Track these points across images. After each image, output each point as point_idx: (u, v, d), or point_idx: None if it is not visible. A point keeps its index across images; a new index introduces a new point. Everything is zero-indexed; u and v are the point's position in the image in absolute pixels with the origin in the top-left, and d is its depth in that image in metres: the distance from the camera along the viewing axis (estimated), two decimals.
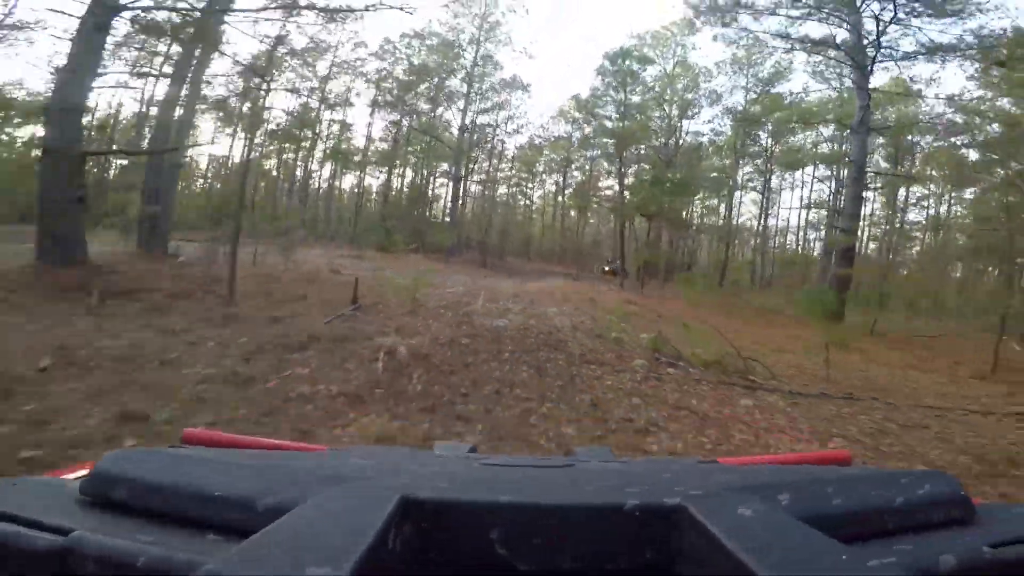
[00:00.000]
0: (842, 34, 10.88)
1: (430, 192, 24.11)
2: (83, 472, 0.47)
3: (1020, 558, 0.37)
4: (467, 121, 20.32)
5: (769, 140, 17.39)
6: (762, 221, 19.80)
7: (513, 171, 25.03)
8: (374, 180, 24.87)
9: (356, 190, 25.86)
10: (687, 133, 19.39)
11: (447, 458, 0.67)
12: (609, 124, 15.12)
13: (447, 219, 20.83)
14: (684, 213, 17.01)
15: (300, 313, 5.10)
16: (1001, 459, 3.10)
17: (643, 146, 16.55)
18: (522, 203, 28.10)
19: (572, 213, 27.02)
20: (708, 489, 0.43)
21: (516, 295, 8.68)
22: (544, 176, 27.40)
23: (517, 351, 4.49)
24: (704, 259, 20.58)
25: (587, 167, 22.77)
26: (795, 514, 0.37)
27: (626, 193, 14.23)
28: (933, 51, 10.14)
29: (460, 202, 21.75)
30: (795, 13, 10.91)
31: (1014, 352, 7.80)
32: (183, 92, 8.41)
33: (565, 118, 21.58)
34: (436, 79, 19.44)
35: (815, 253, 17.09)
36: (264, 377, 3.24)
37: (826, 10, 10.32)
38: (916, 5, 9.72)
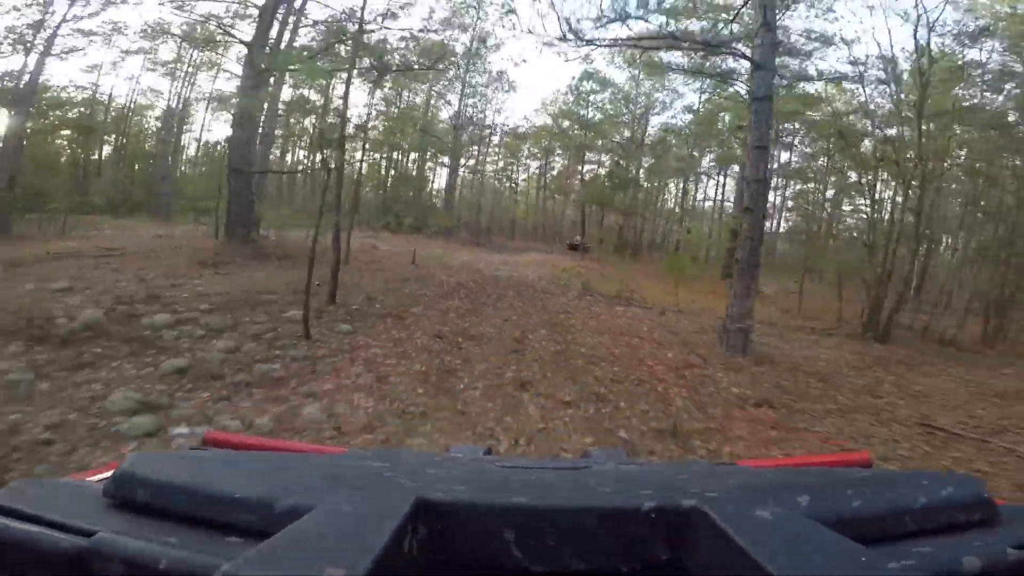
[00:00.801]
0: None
1: (431, 178, 27.63)
2: (106, 473, 0.48)
3: None
4: (460, 118, 23.81)
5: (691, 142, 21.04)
6: (688, 205, 23.94)
7: (500, 158, 28.55)
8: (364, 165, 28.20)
9: (356, 176, 29.18)
10: (653, 127, 23.16)
11: (462, 460, 0.67)
12: (571, 134, 18.91)
13: (441, 203, 24.54)
14: (635, 199, 20.89)
15: (388, 267, 9.07)
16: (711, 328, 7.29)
17: (608, 141, 20.35)
18: (507, 186, 31.70)
19: (553, 196, 30.84)
20: (725, 491, 0.43)
21: (505, 262, 12.72)
22: (528, 161, 31.00)
23: (507, 287, 8.57)
24: (652, 236, 24.78)
25: (565, 158, 26.51)
26: (814, 516, 0.37)
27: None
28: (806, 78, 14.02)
29: (455, 189, 25.44)
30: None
31: (831, 301, 12.12)
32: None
33: (546, 111, 25.15)
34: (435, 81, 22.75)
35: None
36: (402, 289, 7.24)
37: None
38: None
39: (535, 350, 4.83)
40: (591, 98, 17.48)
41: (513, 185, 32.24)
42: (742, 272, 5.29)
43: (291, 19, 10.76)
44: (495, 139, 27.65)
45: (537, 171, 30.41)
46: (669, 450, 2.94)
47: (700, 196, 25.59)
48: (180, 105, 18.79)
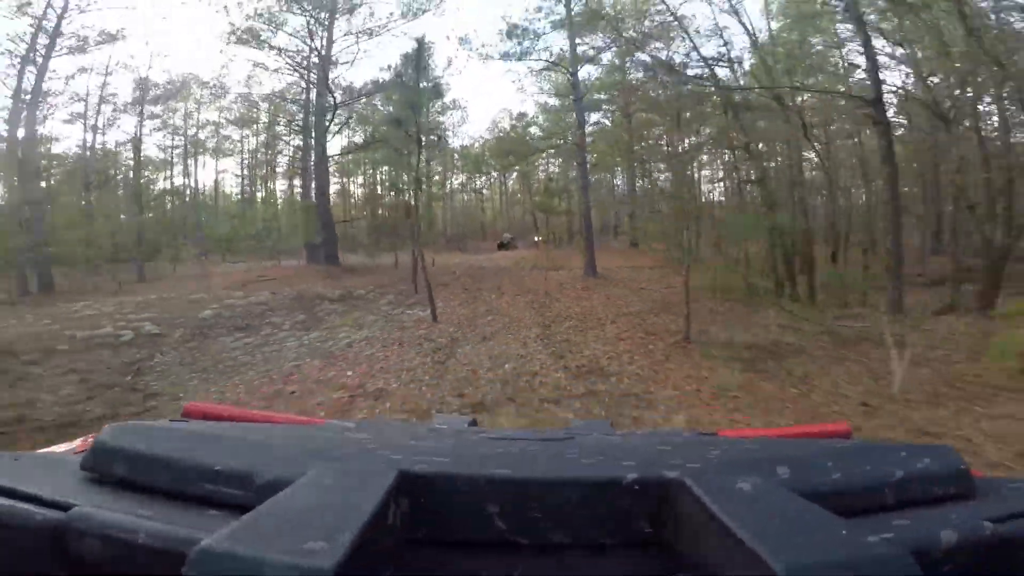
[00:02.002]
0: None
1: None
2: (83, 447, 0.48)
3: (1020, 533, 0.36)
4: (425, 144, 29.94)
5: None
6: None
7: (461, 172, 34.03)
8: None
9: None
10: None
11: (446, 431, 0.67)
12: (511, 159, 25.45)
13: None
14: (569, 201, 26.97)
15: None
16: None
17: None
18: (473, 196, 37.77)
19: (514, 203, 37.15)
20: (707, 463, 0.44)
21: (486, 259, 19.28)
22: (489, 171, 36.73)
23: (490, 271, 15.13)
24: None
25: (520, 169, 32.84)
26: (794, 488, 0.37)
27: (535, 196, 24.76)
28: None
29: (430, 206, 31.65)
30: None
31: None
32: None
33: (496, 129, 30.87)
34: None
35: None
36: (438, 278, 13.71)
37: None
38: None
39: (508, 288, 11.37)
40: (530, 128, 23.48)
41: (479, 194, 38.43)
42: (588, 241, 12.07)
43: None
44: (456, 157, 33.28)
45: (497, 179, 36.55)
46: (549, 297, 9.59)
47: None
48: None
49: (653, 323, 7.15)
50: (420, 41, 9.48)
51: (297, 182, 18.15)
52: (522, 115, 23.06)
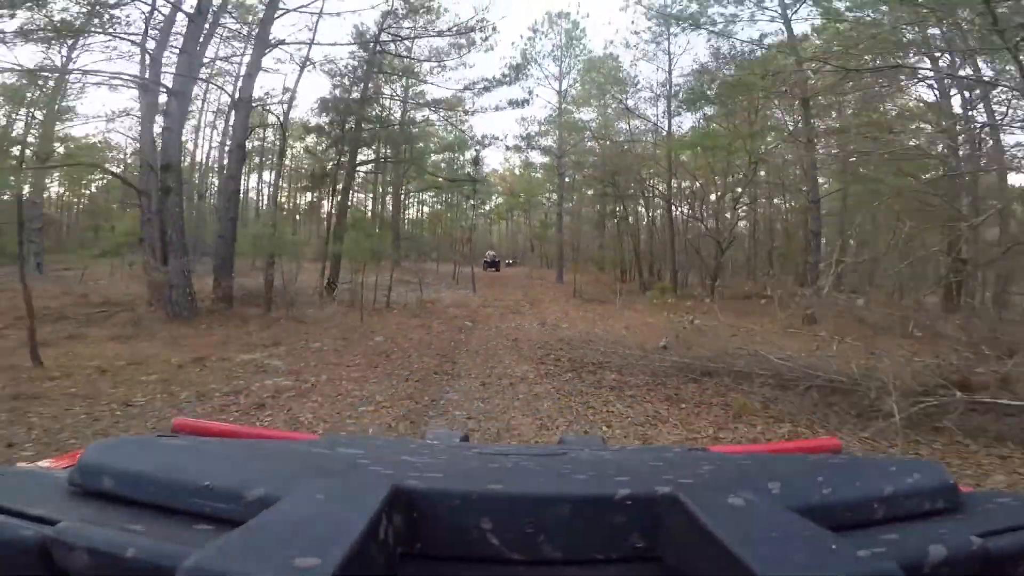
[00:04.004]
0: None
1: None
2: (69, 461, 0.47)
3: (1008, 547, 0.37)
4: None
5: None
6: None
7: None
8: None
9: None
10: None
11: (439, 447, 0.67)
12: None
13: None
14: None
15: (459, 277, 24.73)
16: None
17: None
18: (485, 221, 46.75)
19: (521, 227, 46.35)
20: (699, 478, 0.44)
21: (499, 273, 28.47)
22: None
23: (504, 280, 24.30)
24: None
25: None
26: (785, 503, 0.38)
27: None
28: None
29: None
30: None
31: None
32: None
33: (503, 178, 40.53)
34: None
35: None
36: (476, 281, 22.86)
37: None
38: None
39: (511, 287, 20.37)
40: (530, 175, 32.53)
41: (488, 220, 47.49)
42: (559, 261, 21.23)
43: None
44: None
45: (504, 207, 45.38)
46: (531, 284, 18.73)
47: None
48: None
49: (568, 293, 16.15)
50: (477, 158, 18.81)
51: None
52: (530, 163, 32.47)
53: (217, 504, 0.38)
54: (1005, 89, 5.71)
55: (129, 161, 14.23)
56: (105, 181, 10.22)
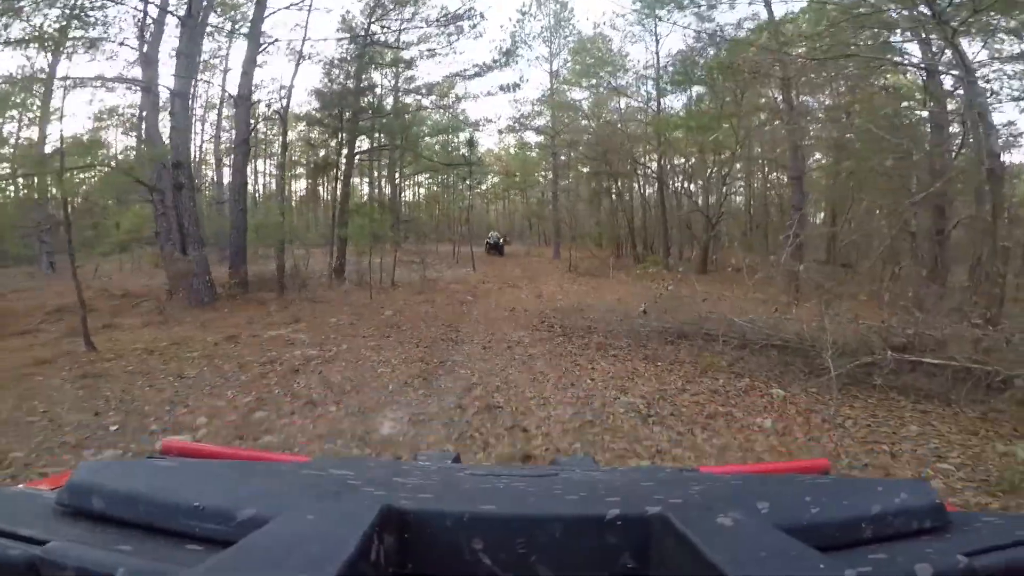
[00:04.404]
0: None
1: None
2: (57, 483, 0.47)
3: (993, 566, 0.37)
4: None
5: None
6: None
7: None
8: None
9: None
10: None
11: (430, 468, 0.67)
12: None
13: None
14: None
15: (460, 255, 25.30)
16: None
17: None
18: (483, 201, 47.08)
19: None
20: (689, 498, 0.45)
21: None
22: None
23: (507, 256, 24.95)
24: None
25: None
26: (774, 523, 0.38)
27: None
28: None
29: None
30: None
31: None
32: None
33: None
34: None
35: None
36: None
37: None
38: None
39: (509, 264, 20.94)
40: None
41: (485, 200, 47.85)
42: (556, 239, 21.82)
43: None
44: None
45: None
46: (530, 261, 19.37)
47: None
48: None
49: (564, 269, 16.78)
50: (471, 140, 19.17)
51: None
52: (525, 143, 32.75)
53: (207, 525, 0.38)
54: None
55: (120, 158, 14.69)
56: (95, 179, 10.59)
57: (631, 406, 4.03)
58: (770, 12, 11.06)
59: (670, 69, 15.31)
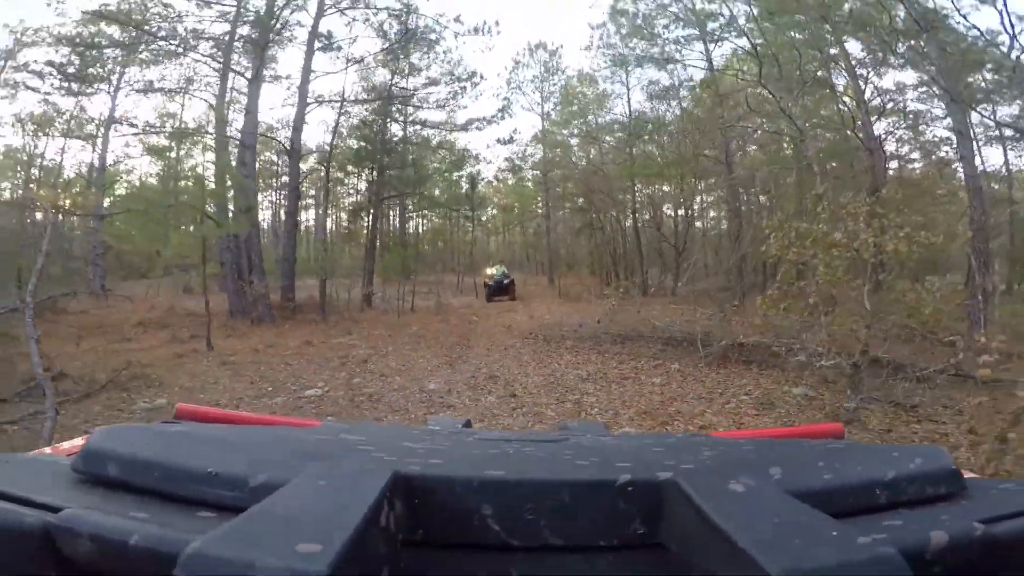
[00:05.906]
0: None
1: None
2: (74, 449, 0.48)
3: (1009, 533, 0.37)
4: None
5: None
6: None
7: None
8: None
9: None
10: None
11: (440, 433, 0.67)
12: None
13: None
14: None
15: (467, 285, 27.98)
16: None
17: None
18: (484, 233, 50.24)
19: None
20: (700, 464, 0.45)
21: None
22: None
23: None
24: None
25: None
26: (786, 489, 0.37)
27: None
28: None
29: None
30: None
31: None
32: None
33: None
34: None
35: None
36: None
37: None
38: None
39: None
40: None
41: (486, 232, 50.84)
42: (550, 267, 24.56)
43: None
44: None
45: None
46: (527, 288, 22.06)
47: None
48: None
49: (555, 293, 19.40)
50: (473, 179, 22.24)
51: None
52: (522, 179, 36.11)
53: (220, 491, 0.38)
54: None
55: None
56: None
57: (578, 376, 6.61)
58: (711, 67, 14.15)
59: (630, 122, 18.54)
